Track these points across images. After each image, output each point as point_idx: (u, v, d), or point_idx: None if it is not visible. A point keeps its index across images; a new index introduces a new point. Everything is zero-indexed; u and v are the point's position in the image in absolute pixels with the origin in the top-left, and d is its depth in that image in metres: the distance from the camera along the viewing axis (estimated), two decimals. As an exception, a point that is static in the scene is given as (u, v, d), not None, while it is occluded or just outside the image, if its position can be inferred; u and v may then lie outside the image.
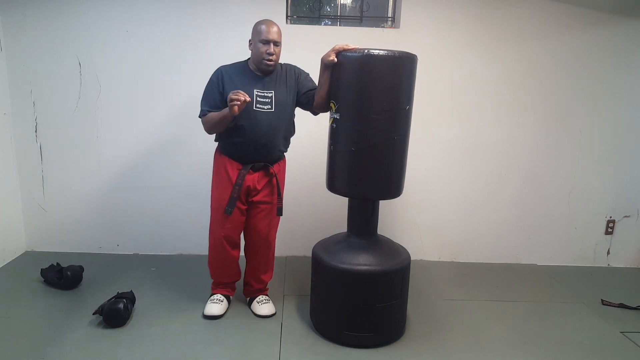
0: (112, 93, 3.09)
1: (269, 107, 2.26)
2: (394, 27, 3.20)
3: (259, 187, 2.36)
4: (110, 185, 3.22)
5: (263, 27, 2.21)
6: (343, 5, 3.43)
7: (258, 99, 2.24)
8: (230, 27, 3.01)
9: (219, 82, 2.28)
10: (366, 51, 2.07)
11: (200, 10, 3.00)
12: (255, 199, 2.38)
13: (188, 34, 3.02)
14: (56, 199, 3.23)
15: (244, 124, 2.24)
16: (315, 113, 2.42)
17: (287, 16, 3.14)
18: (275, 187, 2.40)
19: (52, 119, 3.12)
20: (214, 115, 2.24)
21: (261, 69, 2.26)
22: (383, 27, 3.24)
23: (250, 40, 2.28)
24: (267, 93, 2.26)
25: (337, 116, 2.19)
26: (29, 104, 3.09)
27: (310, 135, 3.11)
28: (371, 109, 2.09)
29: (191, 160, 3.17)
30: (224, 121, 2.20)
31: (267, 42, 2.20)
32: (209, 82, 2.32)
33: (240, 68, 2.32)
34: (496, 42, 3.12)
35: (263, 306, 2.51)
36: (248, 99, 2.07)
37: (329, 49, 2.16)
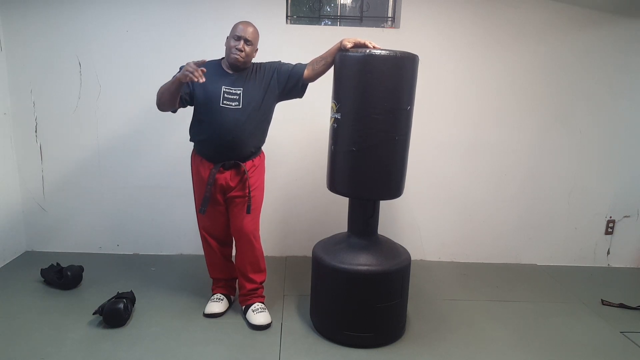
0: (112, 93, 3.09)
1: (237, 103, 2.26)
2: (394, 27, 3.20)
3: (232, 185, 2.35)
4: (110, 185, 3.22)
5: (239, 25, 2.27)
6: (343, 5, 3.43)
7: (225, 95, 2.25)
8: (230, 27, 2.96)
9: None
10: (367, 51, 2.07)
11: (200, 10, 3.00)
12: (231, 194, 2.37)
13: (188, 34, 3.02)
14: (56, 199, 3.23)
15: (210, 120, 2.26)
16: (305, 84, 2.36)
17: (287, 16, 3.14)
18: (247, 184, 2.35)
19: (52, 119, 3.12)
20: (166, 83, 2.18)
21: (230, 63, 2.28)
22: (383, 27, 3.24)
23: (227, 37, 2.30)
24: (235, 90, 2.26)
25: (338, 116, 2.19)
26: (29, 104, 3.09)
27: (311, 135, 3.11)
28: (372, 109, 2.09)
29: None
30: (172, 86, 2.12)
31: (239, 38, 2.24)
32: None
33: (212, 65, 2.32)
34: (496, 42, 3.12)
35: (258, 315, 2.41)
36: (202, 79, 1.99)
37: (352, 39, 2.15)
